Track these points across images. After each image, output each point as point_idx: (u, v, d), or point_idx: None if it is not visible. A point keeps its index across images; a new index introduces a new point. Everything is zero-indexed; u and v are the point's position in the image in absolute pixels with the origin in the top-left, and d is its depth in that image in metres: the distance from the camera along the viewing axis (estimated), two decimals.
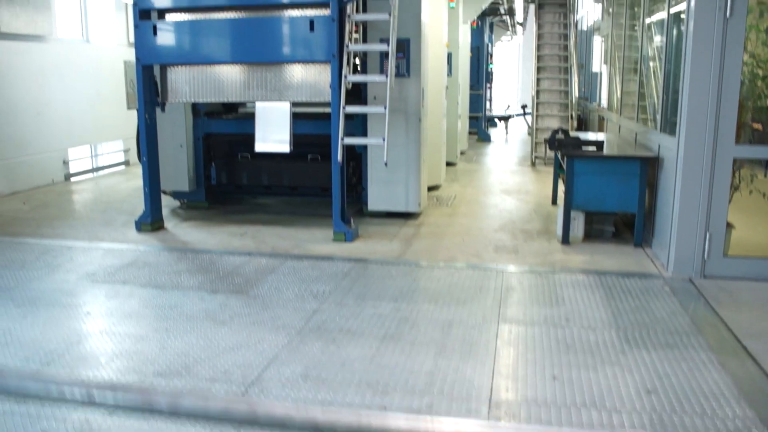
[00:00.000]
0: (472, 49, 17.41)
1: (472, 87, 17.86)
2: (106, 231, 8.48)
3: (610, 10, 12.34)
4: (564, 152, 7.49)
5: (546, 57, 15.64)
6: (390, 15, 7.46)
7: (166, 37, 7.99)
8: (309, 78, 7.76)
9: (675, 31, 7.30)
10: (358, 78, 7.96)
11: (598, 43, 14.62)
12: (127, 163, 14.31)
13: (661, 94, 7.55)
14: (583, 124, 15.00)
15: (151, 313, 5.56)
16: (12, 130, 11.15)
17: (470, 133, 18.39)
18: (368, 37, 8.60)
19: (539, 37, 15.85)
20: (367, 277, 6.46)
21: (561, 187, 9.55)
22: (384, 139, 7.41)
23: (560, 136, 7.65)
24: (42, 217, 9.36)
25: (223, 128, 9.54)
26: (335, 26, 7.39)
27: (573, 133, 8.11)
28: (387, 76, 7.44)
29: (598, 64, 14.57)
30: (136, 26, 8.04)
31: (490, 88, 21.93)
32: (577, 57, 15.87)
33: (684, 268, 6.58)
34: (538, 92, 15.09)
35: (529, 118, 21.04)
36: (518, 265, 6.90)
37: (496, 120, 22.30)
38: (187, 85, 8.21)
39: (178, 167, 9.46)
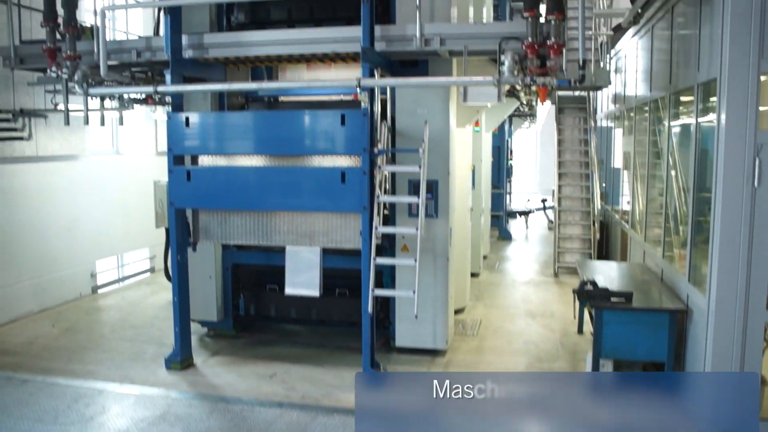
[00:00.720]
0: (493, 151, 17.61)
1: (493, 186, 18.00)
2: (135, 368, 8.57)
3: (632, 114, 12.51)
4: (593, 304, 7.54)
5: (567, 163, 15.77)
6: (420, 167, 7.61)
7: (199, 183, 8.18)
8: (339, 226, 7.91)
9: (703, 164, 7.34)
10: (389, 230, 8.07)
11: (618, 139, 14.74)
12: (152, 270, 14.47)
13: (689, 241, 7.59)
14: (605, 232, 15.04)
15: None
16: (44, 247, 11.36)
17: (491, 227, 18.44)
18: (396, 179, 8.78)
19: (560, 142, 16.01)
20: None
21: (587, 316, 9.56)
22: (414, 292, 7.49)
23: (589, 287, 7.71)
24: (72, 346, 9.47)
25: (251, 259, 9.66)
26: (366, 179, 7.55)
27: (601, 273, 8.19)
28: (418, 228, 7.55)
29: (618, 160, 14.69)
30: (170, 171, 8.24)
31: (510, 182, 22.09)
32: (597, 158, 16.01)
33: None
34: (559, 199, 15.19)
35: (550, 212, 21.21)
36: None
37: (517, 214, 22.41)
38: (219, 227, 8.39)
39: (206, 298, 9.58)
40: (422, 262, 8.32)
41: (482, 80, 7.08)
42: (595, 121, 16.77)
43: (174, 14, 8.11)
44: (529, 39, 6.97)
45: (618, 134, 14.80)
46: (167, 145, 8.24)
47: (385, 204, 8.95)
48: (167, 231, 9.41)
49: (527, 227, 21.70)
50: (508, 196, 21.68)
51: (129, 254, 14.05)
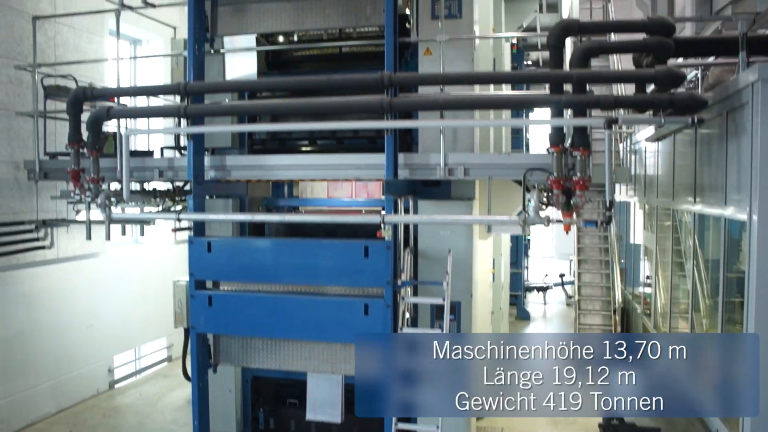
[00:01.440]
0: (511, 235, 17.53)
1: (511, 264, 17.89)
2: None
3: (652, 212, 12.44)
4: None
5: (587, 248, 15.65)
6: (444, 299, 7.55)
7: (221, 308, 8.13)
8: None
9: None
10: None
11: (638, 217, 14.64)
12: (169, 359, 14.37)
13: None
14: (625, 320, 14.88)
15: None
16: (62, 347, 11.32)
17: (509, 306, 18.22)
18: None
19: (579, 227, 15.91)
20: None
21: None
22: (438, 427, 7.36)
23: (615, 422, 7.59)
24: None
25: (271, 373, 9.51)
26: (389, 312, 7.48)
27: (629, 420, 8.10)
28: None
29: (638, 236, 14.54)
30: (191, 296, 8.21)
31: (528, 257, 21.95)
32: (617, 240, 15.91)
33: None
34: (579, 287, 15.05)
35: (568, 287, 21.06)
36: None
37: (535, 290, 22.21)
38: (240, 351, 8.35)
39: (226, 410, 9.46)
40: None
41: (508, 219, 7.03)
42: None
43: (196, 139, 8.14)
44: (555, 174, 6.94)
45: (637, 209, 14.70)
46: (189, 269, 8.21)
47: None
48: (186, 331, 9.35)
49: (545, 303, 21.51)
50: (526, 270, 21.49)
51: (146, 345, 13.98)
